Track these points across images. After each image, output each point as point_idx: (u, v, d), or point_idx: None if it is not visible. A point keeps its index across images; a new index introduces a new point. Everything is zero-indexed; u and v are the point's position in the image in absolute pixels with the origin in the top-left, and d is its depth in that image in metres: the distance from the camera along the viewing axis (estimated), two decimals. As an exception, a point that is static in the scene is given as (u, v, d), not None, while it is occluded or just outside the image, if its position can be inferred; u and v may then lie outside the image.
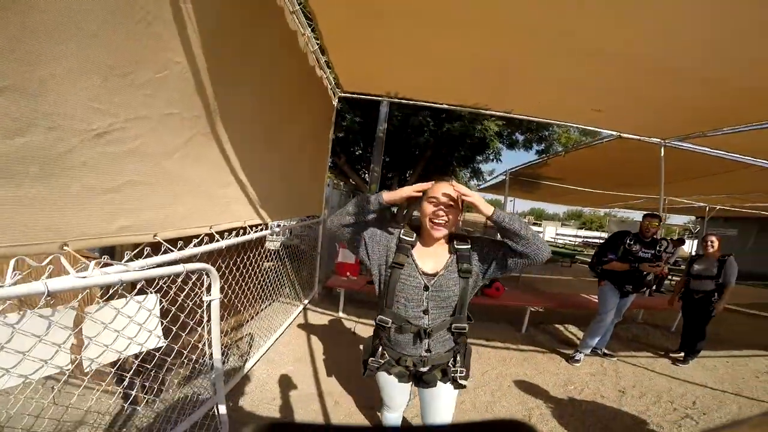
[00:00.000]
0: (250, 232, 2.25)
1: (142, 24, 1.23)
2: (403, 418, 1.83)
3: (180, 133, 1.55)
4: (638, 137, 4.30)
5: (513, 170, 7.90)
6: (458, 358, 1.45)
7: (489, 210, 1.25)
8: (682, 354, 3.87)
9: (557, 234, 27.90)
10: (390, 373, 1.48)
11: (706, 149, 4.51)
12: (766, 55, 2.07)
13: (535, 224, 26.36)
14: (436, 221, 1.34)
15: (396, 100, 4.29)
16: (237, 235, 2.13)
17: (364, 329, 3.78)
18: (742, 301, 6.32)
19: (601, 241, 4.41)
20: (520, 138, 8.65)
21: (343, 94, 4.37)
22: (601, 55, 2.40)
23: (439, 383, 1.45)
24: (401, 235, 1.44)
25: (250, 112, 2.17)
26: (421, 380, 1.45)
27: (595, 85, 3.00)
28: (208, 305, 1.72)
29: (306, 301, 4.31)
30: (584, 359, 3.58)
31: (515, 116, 4.48)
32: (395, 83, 3.89)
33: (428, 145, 7.10)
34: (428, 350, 1.40)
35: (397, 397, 1.61)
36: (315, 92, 3.64)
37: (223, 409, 1.86)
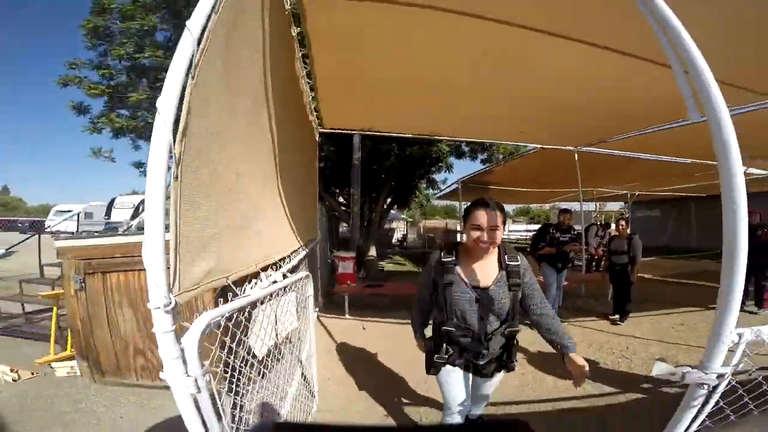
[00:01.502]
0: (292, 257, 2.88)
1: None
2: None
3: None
4: (555, 146, 5.52)
5: (463, 179, 9.14)
6: (511, 353, 1.67)
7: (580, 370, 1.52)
8: (617, 316, 4.80)
9: (509, 230, 30.07)
10: (454, 365, 1.67)
11: (607, 150, 5.85)
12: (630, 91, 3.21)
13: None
14: (482, 246, 1.52)
15: (370, 133, 5.21)
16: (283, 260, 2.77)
17: (370, 325, 4.54)
18: (663, 272, 7.79)
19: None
20: (466, 149, 10.01)
21: (323, 130, 5.09)
22: (522, 98, 3.48)
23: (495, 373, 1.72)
24: (442, 258, 1.64)
25: (281, 156, 2.78)
26: (479, 372, 1.68)
27: (518, 114, 4.12)
28: (306, 298, 2.46)
29: (316, 309, 5.00)
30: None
31: (461, 139, 5.62)
32: (367, 119, 4.73)
33: (393, 167, 8.13)
34: (487, 348, 1.59)
35: (456, 391, 1.72)
36: (307, 129, 4.37)
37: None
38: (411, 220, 27.56)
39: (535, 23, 2.14)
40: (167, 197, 0.94)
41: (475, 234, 1.51)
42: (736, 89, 2.81)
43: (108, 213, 20.88)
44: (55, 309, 3.13)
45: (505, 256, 1.58)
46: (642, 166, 7.04)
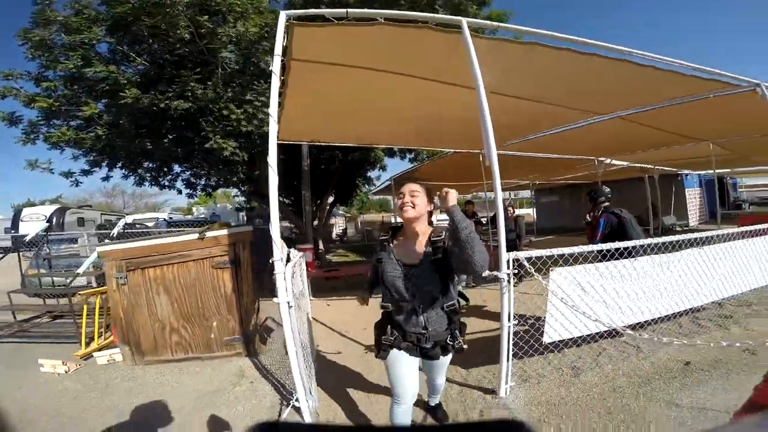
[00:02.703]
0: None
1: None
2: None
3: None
4: (466, 150, 7.02)
5: (395, 176, 10.58)
6: (456, 334, 1.69)
7: (451, 202, 1.51)
8: (516, 279, 6.53)
9: (437, 221, 32.81)
10: (400, 348, 1.70)
11: (503, 152, 7.53)
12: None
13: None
14: (404, 207, 1.64)
15: (317, 144, 6.19)
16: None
17: (333, 303, 5.55)
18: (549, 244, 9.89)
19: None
20: (396, 150, 11.42)
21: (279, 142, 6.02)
22: (440, 118, 4.76)
23: (441, 356, 1.72)
24: (380, 237, 1.78)
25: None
26: (426, 356, 1.70)
27: (436, 128, 5.43)
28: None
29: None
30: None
31: (391, 146, 6.85)
32: (316, 132, 5.64)
33: (338, 170, 9.20)
34: (425, 327, 1.62)
35: (405, 378, 1.71)
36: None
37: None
38: (349, 215, 28.59)
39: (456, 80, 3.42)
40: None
41: (399, 202, 1.66)
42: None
43: (14, 226, 18.78)
44: (97, 305, 3.67)
45: (432, 234, 1.67)
46: (533, 162, 9.02)
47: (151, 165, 9.19)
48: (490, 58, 2.99)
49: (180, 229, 12.38)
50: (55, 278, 5.75)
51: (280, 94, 3.68)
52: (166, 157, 8.91)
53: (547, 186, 18.72)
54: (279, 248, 1.94)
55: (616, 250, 2.64)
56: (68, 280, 5.14)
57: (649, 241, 2.75)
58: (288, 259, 2.23)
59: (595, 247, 2.54)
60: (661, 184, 13.20)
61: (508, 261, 2.20)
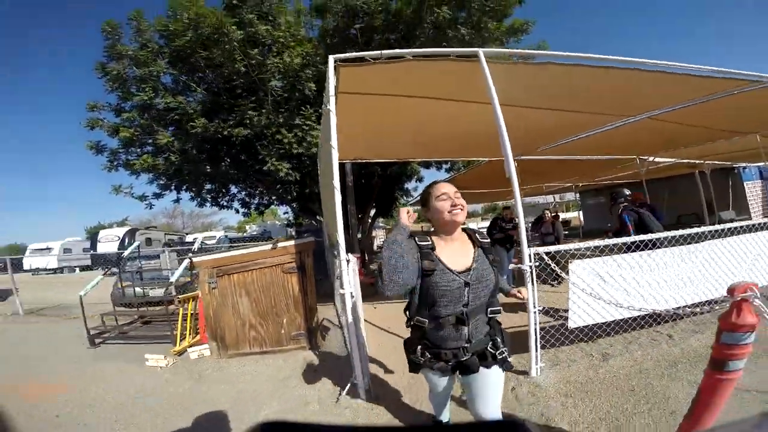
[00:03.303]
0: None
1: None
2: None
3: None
4: (496, 158, 7.33)
5: (434, 181, 11.03)
6: (497, 340, 1.52)
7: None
8: (556, 282, 6.63)
9: (479, 227, 32.59)
10: (432, 369, 1.54)
11: (540, 157, 7.75)
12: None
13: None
14: (455, 210, 1.49)
15: (360, 161, 6.81)
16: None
17: (379, 306, 6.05)
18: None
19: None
20: (432, 161, 11.85)
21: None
22: (471, 134, 5.19)
23: (482, 369, 1.49)
24: (418, 242, 1.52)
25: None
26: (463, 368, 1.50)
27: (467, 141, 5.84)
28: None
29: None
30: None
31: (430, 160, 7.34)
32: (357, 150, 6.30)
33: (377, 185, 9.82)
34: (468, 340, 1.47)
35: (440, 397, 1.72)
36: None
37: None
38: (389, 227, 29.26)
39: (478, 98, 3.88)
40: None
41: (445, 204, 1.49)
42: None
43: (93, 246, 21.43)
44: (190, 308, 4.51)
45: (477, 236, 1.58)
46: (571, 165, 9.10)
47: (211, 187, 10.25)
48: (509, 78, 3.43)
49: (241, 244, 13.66)
50: (145, 288, 6.76)
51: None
52: (226, 179, 9.99)
53: (592, 187, 18.19)
54: (344, 250, 2.50)
55: (636, 243, 2.90)
56: (163, 289, 6.10)
57: (669, 233, 2.98)
58: (348, 261, 2.78)
59: (609, 242, 2.84)
60: (716, 178, 12.54)
61: (529, 255, 2.58)
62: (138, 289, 6.92)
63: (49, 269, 21.81)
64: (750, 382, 2.40)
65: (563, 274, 2.70)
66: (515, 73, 3.58)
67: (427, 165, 11.81)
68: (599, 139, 6.34)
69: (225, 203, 11.27)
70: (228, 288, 3.92)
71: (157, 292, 6.88)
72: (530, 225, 7.76)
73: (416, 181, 12.21)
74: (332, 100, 3.03)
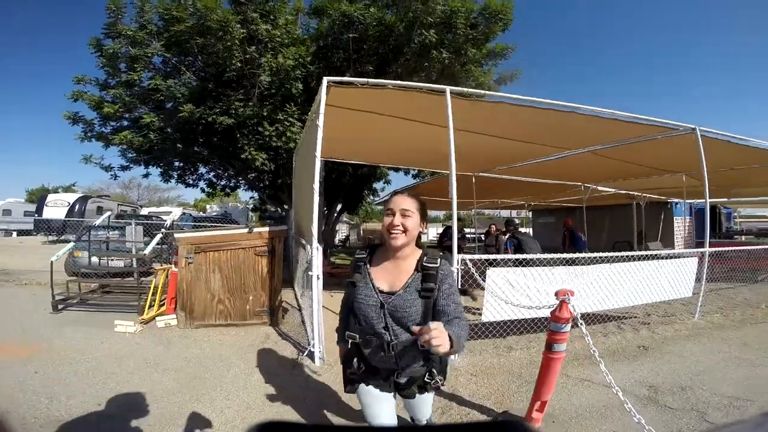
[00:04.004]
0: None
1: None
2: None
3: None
4: (459, 173, 8.15)
5: (398, 190, 11.77)
6: (434, 372, 1.41)
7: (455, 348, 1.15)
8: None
9: (437, 233, 34.06)
10: (368, 384, 1.47)
11: (495, 175, 8.66)
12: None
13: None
14: (393, 231, 1.37)
15: (332, 160, 7.35)
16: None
17: (337, 295, 6.62)
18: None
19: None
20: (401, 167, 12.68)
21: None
22: (435, 150, 5.90)
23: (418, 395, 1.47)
24: (356, 254, 1.51)
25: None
26: (401, 392, 1.47)
27: (431, 156, 6.57)
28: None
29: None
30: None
31: (398, 167, 8.03)
32: (332, 151, 6.83)
33: (347, 183, 10.41)
34: (396, 363, 1.38)
35: (381, 416, 1.49)
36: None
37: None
38: (353, 222, 29.79)
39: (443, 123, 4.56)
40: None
41: (387, 220, 1.40)
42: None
43: (39, 210, 20.19)
44: (162, 279, 4.83)
45: (425, 258, 1.43)
46: (522, 186, 10.15)
47: (179, 164, 10.42)
48: (471, 110, 4.19)
49: (205, 224, 13.65)
50: (108, 259, 6.86)
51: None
52: (196, 160, 10.18)
53: (543, 207, 19.71)
54: (316, 239, 3.09)
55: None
56: (125, 261, 6.30)
57: (540, 255, 3.86)
58: (318, 249, 3.36)
59: (513, 257, 3.68)
60: (650, 211, 13.85)
61: (458, 260, 3.31)
62: (97, 259, 6.92)
63: None
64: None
65: (480, 280, 3.44)
66: (475, 107, 4.32)
67: (396, 169, 12.61)
68: (548, 165, 7.32)
69: (191, 181, 11.40)
70: (203, 264, 4.35)
71: (118, 264, 7.03)
72: (483, 236, 8.65)
73: (384, 183, 13.04)
74: (321, 117, 3.56)
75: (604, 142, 5.67)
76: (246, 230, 4.44)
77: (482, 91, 4.44)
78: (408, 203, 1.41)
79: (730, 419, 2.59)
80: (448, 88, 3.88)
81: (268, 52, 7.51)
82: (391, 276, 1.43)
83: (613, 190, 11.24)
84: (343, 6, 7.54)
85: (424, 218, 1.47)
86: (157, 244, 5.56)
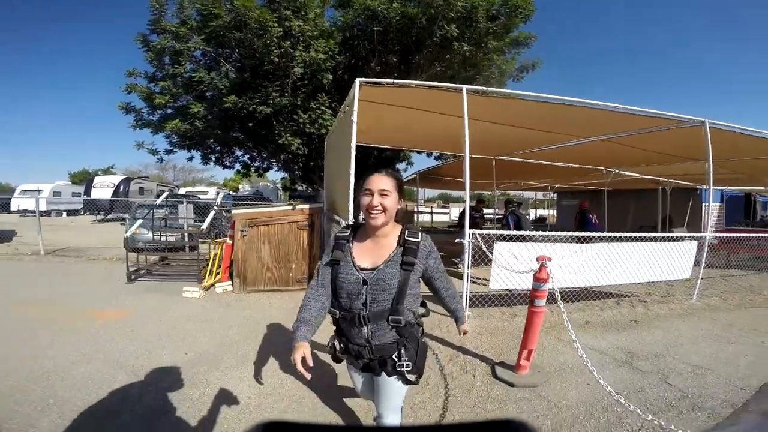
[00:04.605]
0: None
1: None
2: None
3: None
4: (479, 156, 8.61)
5: (420, 171, 12.29)
6: (402, 352, 1.44)
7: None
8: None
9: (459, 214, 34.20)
10: (347, 361, 1.58)
11: (517, 159, 9.04)
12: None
13: (444, 206, 32.11)
14: (372, 212, 1.39)
15: (361, 145, 7.96)
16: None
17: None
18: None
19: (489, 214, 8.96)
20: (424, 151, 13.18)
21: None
22: (456, 136, 6.41)
23: (384, 375, 1.47)
24: (337, 233, 1.55)
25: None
26: (367, 368, 1.51)
27: (454, 135, 7.07)
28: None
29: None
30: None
31: (422, 150, 8.57)
32: (361, 137, 7.44)
33: (372, 165, 11.04)
34: (368, 340, 1.42)
35: (359, 386, 1.69)
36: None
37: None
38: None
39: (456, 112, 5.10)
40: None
41: (366, 200, 1.41)
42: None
43: (87, 191, 21.97)
44: (219, 251, 5.74)
45: (406, 232, 1.46)
46: (543, 169, 10.46)
47: (217, 148, 11.37)
48: (488, 104, 4.69)
49: (245, 202, 14.74)
50: (164, 235, 7.83)
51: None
52: (234, 144, 11.05)
53: (567, 190, 19.70)
54: (352, 215, 3.83)
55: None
56: (179, 236, 7.25)
57: (536, 233, 4.37)
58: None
59: (516, 233, 4.26)
60: (677, 196, 13.74)
61: (469, 235, 3.93)
62: (151, 236, 7.66)
63: (32, 211, 21.90)
64: (597, 345, 3.86)
65: (488, 252, 4.03)
66: (491, 101, 4.84)
67: (419, 152, 13.13)
68: (568, 150, 7.68)
69: (228, 163, 12.34)
70: (255, 237, 5.17)
71: (171, 239, 7.97)
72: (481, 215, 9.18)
73: (407, 164, 13.60)
74: (355, 114, 4.16)
75: (620, 131, 6.00)
76: (290, 207, 5.22)
77: (497, 89, 4.92)
78: (385, 183, 1.42)
79: (688, 384, 2.98)
80: (464, 87, 4.38)
81: (299, 45, 8.09)
82: (373, 253, 1.46)
83: (637, 174, 11.34)
84: (367, 0, 7.96)
85: (402, 196, 1.51)
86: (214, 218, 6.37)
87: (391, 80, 4.35)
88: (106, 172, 35.51)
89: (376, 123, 6.06)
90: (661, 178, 12.63)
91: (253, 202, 13.75)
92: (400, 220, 1.54)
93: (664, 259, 4.95)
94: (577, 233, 4.79)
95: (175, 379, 2.91)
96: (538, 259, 2.84)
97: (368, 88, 4.39)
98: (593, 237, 4.59)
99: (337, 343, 1.54)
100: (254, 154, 12.07)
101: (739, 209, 16.36)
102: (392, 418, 1.57)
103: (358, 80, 4.23)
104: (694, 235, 5.38)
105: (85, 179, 32.23)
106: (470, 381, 3.04)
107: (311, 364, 1.34)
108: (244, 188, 28.20)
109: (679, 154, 7.76)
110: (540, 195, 25.90)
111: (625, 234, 4.84)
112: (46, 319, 4.23)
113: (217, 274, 5.81)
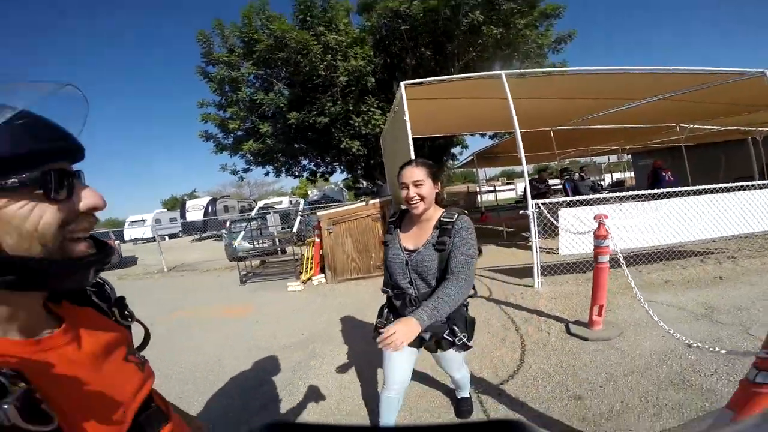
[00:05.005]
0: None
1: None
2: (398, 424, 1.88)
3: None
4: (535, 130, 8.55)
5: (477, 152, 12.33)
6: (455, 329, 1.54)
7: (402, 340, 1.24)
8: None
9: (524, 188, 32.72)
10: None
11: (575, 127, 8.80)
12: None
13: (508, 183, 31.21)
14: (411, 203, 1.51)
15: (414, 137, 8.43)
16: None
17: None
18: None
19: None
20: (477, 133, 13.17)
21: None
22: (502, 116, 6.58)
23: (440, 351, 1.61)
24: (388, 219, 1.74)
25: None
26: (424, 346, 1.63)
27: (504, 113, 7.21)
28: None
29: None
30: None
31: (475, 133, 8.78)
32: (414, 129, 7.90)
33: (426, 155, 11.48)
34: None
35: (397, 370, 1.67)
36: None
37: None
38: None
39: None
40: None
41: (404, 192, 1.51)
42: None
43: (182, 215, 25.22)
44: (310, 250, 6.73)
45: (443, 215, 1.54)
46: (608, 132, 9.99)
47: (285, 160, 12.45)
48: (530, 84, 4.88)
49: (320, 205, 16.06)
50: (258, 242, 9.02)
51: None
52: (300, 154, 12.12)
53: (643, 149, 18.15)
54: None
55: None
56: (272, 241, 8.39)
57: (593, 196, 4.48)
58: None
59: (579, 198, 4.40)
60: None
61: (532, 205, 4.21)
62: (248, 244, 8.83)
63: (145, 238, 24.14)
64: (676, 302, 3.92)
65: (553, 220, 4.27)
66: (534, 80, 5.00)
67: (472, 134, 13.20)
68: (626, 114, 7.39)
69: (296, 173, 13.51)
70: (339, 232, 5.96)
71: (264, 245, 9.12)
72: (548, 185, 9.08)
73: (462, 148, 13.83)
74: (407, 112, 4.62)
75: (674, 90, 5.75)
76: (363, 203, 5.91)
77: (535, 70, 5.08)
78: (417, 173, 1.49)
79: None
80: (503, 73, 4.60)
81: (338, 55, 8.71)
82: (415, 236, 1.59)
83: (717, 127, 10.31)
84: (389, 2, 8.30)
85: (437, 180, 1.56)
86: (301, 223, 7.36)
87: (432, 78, 4.76)
88: (191, 196, 39.97)
89: (425, 116, 6.45)
90: (747, 128, 11.28)
91: (325, 205, 14.94)
92: (441, 202, 1.64)
93: (751, 210, 4.70)
94: (642, 192, 4.74)
95: (300, 353, 3.66)
96: (595, 218, 3.09)
97: (413, 88, 4.82)
98: (657, 194, 4.54)
99: (386, 316, 1.70)
100: (318, 161, 13.10)
101: None
102: (462, 371, 1.96)
103: (402, 83, 4.68)
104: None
105: (175, 205, 36.70)
106: (545, 338, 3.35)
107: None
108: (313, 193, 30.15)
109: (747, 104, 7.04)
110: (615, 158, 23.98)
111: (696, 187, 4.68)
112: (196, 319, 5.36)
113: (311, 269, 6.73)
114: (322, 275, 6.32)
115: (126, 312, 0.72)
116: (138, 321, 0.75)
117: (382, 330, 1.32)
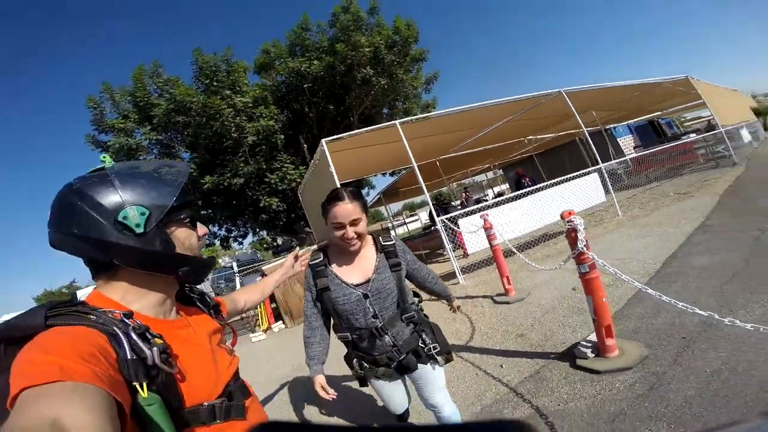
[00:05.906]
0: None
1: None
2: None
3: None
4: (424, 162, 10.28)
5: (383, 190, 13.83)
6: (424, 337, 1.55)
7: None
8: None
9: (428, 214, 35.79)
10: (378, 377, 1.57)
11: (453, 154, 10.78)
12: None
13: (412, 215, 33.78)
14: (351, 243, 1.42)
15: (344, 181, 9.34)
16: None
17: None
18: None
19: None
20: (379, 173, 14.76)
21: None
22: (400, 155, 7.99)
23: (420, 365, 1.54)
24: (310, 263, 1.53)
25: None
26: (403, 368, 1.52)
27: (402, 152, 8.66)
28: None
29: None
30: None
31: (378, 173, 10.13)
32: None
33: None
34: (394, 344, 1.48)
35: (395, 398, 1.70)
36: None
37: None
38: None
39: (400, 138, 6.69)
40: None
41: (339, 233, 1.41)
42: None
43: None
44: (266, 302, 6.85)
45: (380, 239, 1.54)
46: (474, 155, 12.30)
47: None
48: (416, 126, 6.30)
49: (248, 267, 15.45)
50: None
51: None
52: (209, 221, 11.87)
53: (509, 163, 22.02)
54: None
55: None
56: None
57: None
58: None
59: (469, 209, 5.80)
60: (596, 141, 16.22)
61: (440, 221, 5.41)
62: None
63: None
64: (557, 266, 5.40)
65: (455, 228, 5.56)
66: (419, 123, 6.48)
67: (374, 175, 14.74)
68: (486, 137, 9.50)
69: (208, 241, 13.09)
70: (286, 281, 6.33)
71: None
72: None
73: (369, 188, 15.27)
74: (331, 164, 5.51)
75: (511, 113, 7.87)
76: (293, 255, 6.48)
77: (418, 116, 6.61)
78: (352, 211, 1.40)
79: (617, 271, 4.58)
80: (397, 122, 5.96)
81: (243, 115, 9.18)
82: (358, 268, 1.50)
83: (551, 135, 13.53)
84: (289, 64, 9.41)
85: (367, 211, 1.49)
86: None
87: (347, 134, 5.80)
88: (70, 287, 33.77)
89: (344, 164, 7.46)
90: (573, 131, 14.90)
91: (253, 265, 14.59)
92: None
93: (577, 193, 6.68)
94: (509, 195, 6.42)
95: (293, 380, 4.16)
96: (480, 217, 4.45)
97: (332, 143, 5.81)
98: (518, 195, 6.26)
99: (357, 365, 1.56)
100: (228, 225, 12.91)
101: (650, 134, 18.98)
102: (442, 396, 1.61)
103: (323, 141, 5.63)
104: (592, 169, 7.16)
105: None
106: (481, 310, 4.39)
107: (331, 390, 1.48)
108: (224, 261, 28.10)
109: (565, 113, 9.84)
110: (492, 174, 28.31)
111: (545, 183, 6.55)
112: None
113: (266, 320, 7.06)
114: (281, 322, 6.65)
115: (220, 314, 1.00)
116: (228, 325, 1.02)
117: (362, 377, 1.59)
